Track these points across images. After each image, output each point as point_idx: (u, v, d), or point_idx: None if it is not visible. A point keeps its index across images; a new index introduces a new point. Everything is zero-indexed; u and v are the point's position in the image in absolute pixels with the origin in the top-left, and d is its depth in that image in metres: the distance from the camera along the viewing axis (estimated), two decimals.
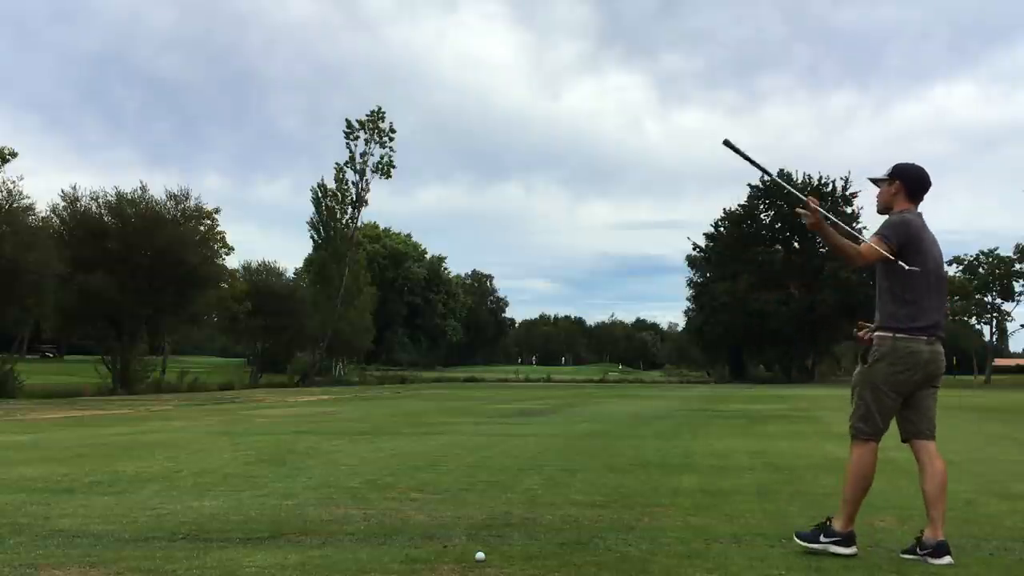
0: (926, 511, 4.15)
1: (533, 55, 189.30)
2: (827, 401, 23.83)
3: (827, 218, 4.12)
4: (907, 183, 4.26)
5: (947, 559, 3.99)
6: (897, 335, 4.07)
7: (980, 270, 59.08)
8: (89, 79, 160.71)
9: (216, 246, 40.44)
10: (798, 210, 4.15)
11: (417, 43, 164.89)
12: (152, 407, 20.23)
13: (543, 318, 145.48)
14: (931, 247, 4.20)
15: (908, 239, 4.09)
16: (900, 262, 4.06)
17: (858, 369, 4.23)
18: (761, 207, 64.03)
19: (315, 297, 47.46)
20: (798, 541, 4.17)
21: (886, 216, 4.27)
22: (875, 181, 4.39)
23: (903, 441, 4.34)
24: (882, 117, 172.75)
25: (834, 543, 4.07)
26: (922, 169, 4.31)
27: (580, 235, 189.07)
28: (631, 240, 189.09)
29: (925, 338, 4.08)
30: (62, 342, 60.65)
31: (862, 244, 4.16)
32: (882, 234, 4.09)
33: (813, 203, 4.05)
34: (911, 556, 4.09)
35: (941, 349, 4.16)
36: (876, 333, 4.14)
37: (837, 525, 4.12)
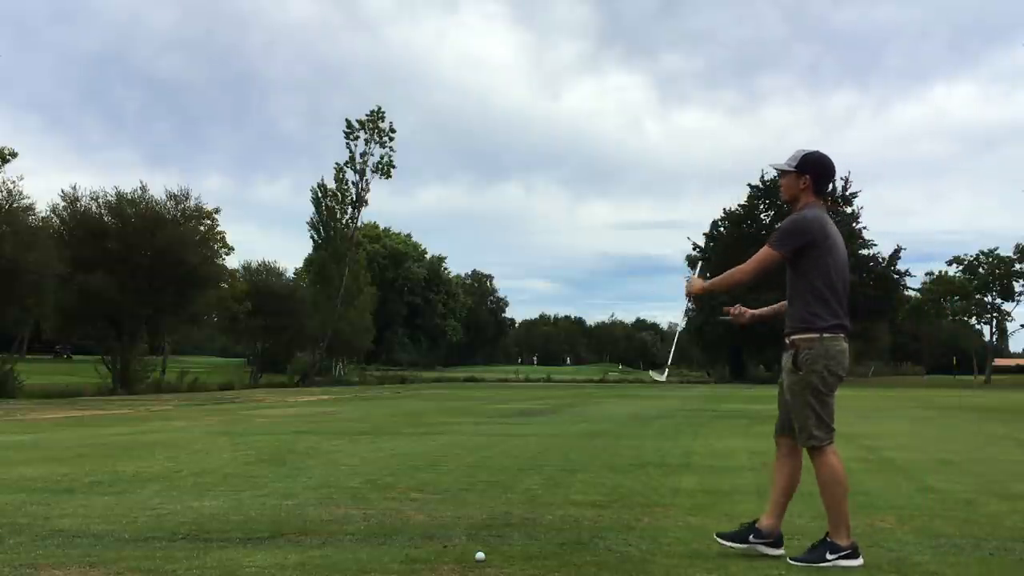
0: (777, 501, 4.13)
1: (533, 55, 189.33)
2: None
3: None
4: (816, 176, 4.11)
5: (783, 550, 4.04)
6: (824, 335, 3.97)
7: (980, 270, 59.09)
8: (89, 79, 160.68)
9: (216, 246, 40.49)
10: (689, 296, 4.38)
11: (417, 43, 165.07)
12: (152, 407, 20.23)
13: (543, 318, 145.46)
14: (839, 243, 4.11)
15: (809, 241, 3.98)
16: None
17: (792, 378, 4.00)
18: (761, 207, 64.00)
19: (315, 297, 47.47)
20: (801, 565, 3.90)
21: (795, 206, 4.17)
22: (780, 171, 4.19)
23: (780, 434, 4.22)
24: (882, 117, 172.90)
25: (842, 557, 3.89)
26: (830, 160, 4.15)
27: (580, 235, 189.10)
28: (631, 240, 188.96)
29: (843, 336, 4.01)
30: (64, 342, 60.61)
31: (749, 260, 4.08)
32: (770, 242, 4.03)
33: (692, 290, 4.27)
34: (739, 544, 4.05)
35: None
36: (802, 336, 3.99)
37: (841, 540, 3.92)
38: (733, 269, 4.17)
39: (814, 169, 4.11)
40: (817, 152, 4.14)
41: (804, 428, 3.99)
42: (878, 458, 8.51)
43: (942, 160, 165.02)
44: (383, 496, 5.88)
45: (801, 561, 3.92)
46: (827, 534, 3.99)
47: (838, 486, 3.95)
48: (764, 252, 4.04)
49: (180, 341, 58.23)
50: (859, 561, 3.90)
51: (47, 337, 48.21)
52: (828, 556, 3.89)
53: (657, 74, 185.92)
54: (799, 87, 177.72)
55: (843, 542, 3.92)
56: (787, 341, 4.06)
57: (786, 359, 4.05)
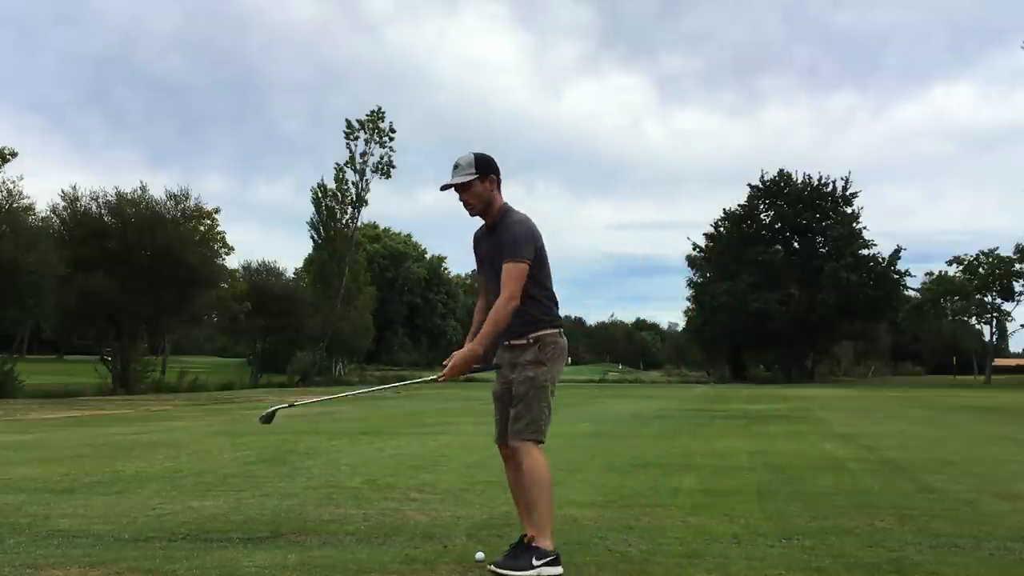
0: (528, 515, 3.81)
1: (534, 56, 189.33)
2: (827, 401, 23.84)
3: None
4: (498, 174, 3.90)
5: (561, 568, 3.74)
6: (560, 331, 3.90)
7: (980, 270, 58.99)
8: (92, 81, 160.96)
9: (216, 246, 40.43)
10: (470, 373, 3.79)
11: (418, 44, 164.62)
12: (152, 407, 20.23)
13: None
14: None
15: (540, 245, 3.87)
16: None
17: (537, 371, 3.79)
18: (761, 207, 64.05)
19: (315, 297, 47.47)
20: (503, 573, 3.61)
21: (492, 211, 3.90)
22: (461, 186, 3.85)
23: (503, 442, 3.95)
24: (882, 117, 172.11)
25: (548, 563, 3.62)
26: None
27: (580, 235, 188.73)
28: (631, 240, 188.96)
29: (561, 330, 3.96)
30: (61, 342, 60.61)
31: (503, 290, 3.71)
32: (520, 256, 3.75)
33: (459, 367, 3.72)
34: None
35: None
36: (545, 332, 3.84)
37: (547, 544, 3.66)
38: (491, 317, 3.71)
39: (495, 168, 3.90)
40: (480, 152, 3.91)
41: (535, 422, 3.77)
42: (878, 458, 8.50)
43: (942, 160, 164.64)
44: (383, 496, 5.88)
45: (504, 568, 3.63)
46: (529, 538, 3.70)
47: (547, 483, 3.72)
48: (517, 270, 3.73)
49: (180, 341, 58.26)
50: (560, 569, 3.65)
51: (47, 337, 48.22)
52: (534, 563, 3.60)
53: (657, 75, 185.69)
54: (799, 88, 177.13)
55: (549, 546, 3.67)
56: (528, 340, 3.83)
57: (529, 355, 3.82)
